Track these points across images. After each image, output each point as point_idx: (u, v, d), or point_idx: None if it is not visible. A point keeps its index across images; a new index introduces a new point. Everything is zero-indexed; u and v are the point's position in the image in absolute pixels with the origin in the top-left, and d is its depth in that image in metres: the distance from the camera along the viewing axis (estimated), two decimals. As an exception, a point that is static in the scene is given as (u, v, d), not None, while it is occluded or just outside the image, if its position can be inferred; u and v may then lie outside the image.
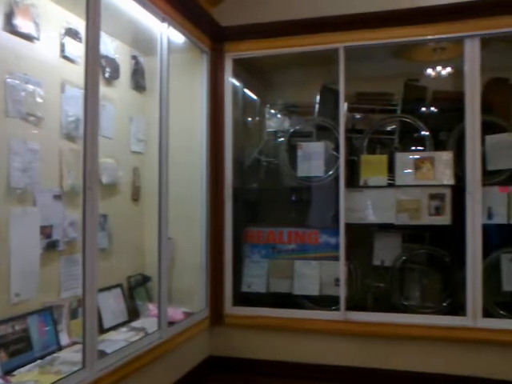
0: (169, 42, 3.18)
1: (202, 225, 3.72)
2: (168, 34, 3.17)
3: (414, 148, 3.82)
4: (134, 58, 3.66)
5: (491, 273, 3.48)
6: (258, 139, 4.33)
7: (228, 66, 3.78)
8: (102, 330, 3.02)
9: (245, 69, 4.10)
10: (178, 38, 3.38)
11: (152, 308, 3.39)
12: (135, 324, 3.27)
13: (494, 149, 3.47)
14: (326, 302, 3.70)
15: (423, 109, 3.90)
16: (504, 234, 3.57)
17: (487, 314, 3.36)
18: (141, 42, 3.54)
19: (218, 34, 3.72)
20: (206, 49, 3.69)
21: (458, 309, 3.46)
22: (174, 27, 3.23)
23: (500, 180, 3.49)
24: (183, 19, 3.31)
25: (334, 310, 3.59)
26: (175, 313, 3.38)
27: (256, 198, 4.21)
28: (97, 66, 2.51)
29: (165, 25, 3.13)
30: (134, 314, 3.45)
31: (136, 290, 3.58)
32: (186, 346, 3.36)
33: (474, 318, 3.32)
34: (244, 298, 3.88)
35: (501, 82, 3.69)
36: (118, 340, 2.87)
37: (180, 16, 3.26)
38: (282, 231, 3.88)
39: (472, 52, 3.35)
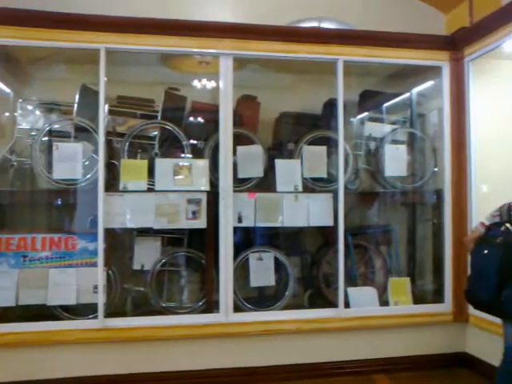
0: None
1: None
2: None
3: (176, 155, 3.93)
4: None
5: (241, 271, 3.82)
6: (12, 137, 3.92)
7: (-30, 52, 3.33)
8: None
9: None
10: None
11: None
12: None
13: (244, 159, 3.84)
14: (84, 310, 3.54)
15: (183, 117, 4.05)
16: (252, 236, 3.99)
17: (237, 309, 3.66)
18: None
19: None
20: None
21: (213, 306, 3.67)
22: None
23: (249, 187, 3.87)
24: None
25: (92, 318, 3.46)
26: None
27: (5, 201, 3.79)
28: None
29: None
30: None
31: None
32: None
33: (226, 313, 3.58)
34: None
35: (250, 99, 4.10)
36: None
37: None
38: (35, 238, 3.56)
39: (226, 69, 3.62)
